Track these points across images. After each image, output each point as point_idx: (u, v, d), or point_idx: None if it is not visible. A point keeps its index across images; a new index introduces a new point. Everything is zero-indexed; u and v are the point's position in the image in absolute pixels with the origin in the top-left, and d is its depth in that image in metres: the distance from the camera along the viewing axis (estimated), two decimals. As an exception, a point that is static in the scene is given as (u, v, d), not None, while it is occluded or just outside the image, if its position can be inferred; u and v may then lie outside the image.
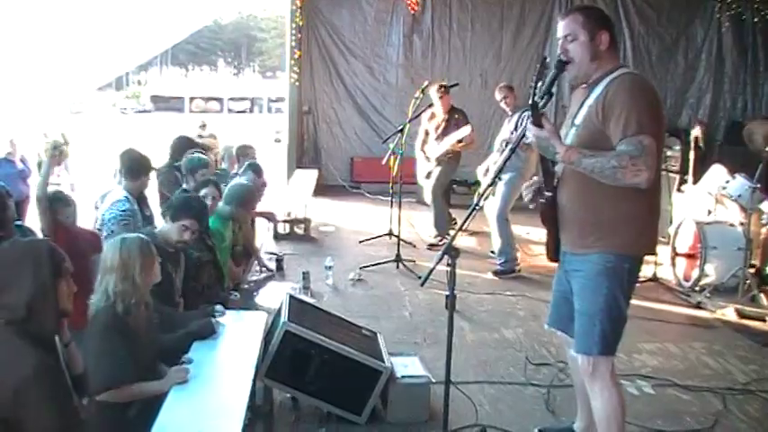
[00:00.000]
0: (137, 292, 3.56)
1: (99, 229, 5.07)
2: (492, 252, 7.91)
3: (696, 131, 8.15)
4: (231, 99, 54.52)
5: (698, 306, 6.77)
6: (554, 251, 3.64)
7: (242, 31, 68.63)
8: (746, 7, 12.62)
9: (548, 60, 3.40)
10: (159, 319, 3.87)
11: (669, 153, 8.99)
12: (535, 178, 3.71)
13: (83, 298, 3.47)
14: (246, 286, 6.60)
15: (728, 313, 6.49)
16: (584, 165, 3.19)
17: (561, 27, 3.42)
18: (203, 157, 6.44)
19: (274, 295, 6.22)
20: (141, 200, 5.67)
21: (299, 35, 12.46)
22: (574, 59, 3.36)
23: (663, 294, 7.14)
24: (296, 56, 12.39)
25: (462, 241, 8.90)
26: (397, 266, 7.64)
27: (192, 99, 53.17)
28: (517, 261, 7.66)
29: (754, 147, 6.92)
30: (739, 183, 7.09)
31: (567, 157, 3.23)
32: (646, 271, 7.24)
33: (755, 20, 12.61)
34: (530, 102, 3.30)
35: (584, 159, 3.19)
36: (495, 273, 7.54)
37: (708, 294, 6.90)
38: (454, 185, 10.91)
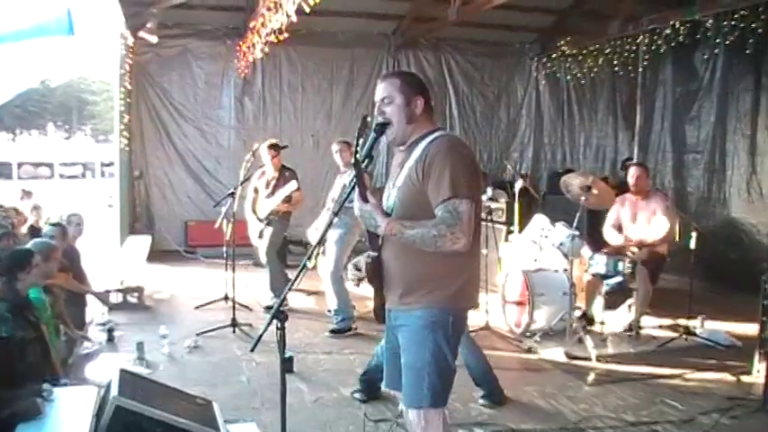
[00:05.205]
0: None
1: None
2: (328, 311, 7.91)
3: (520, 184, 8.52)
4: (62, 164, 52.48)
5: (529, 351, 7.01)
6: (380, 312, 3.67)
7: (72, 93, 66.23)
8: (560, 67, 13.51)
9: (368, 120, 3.47)
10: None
11: (495, 205, 9.35)
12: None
13: None
14: (72, 361, 6.30)
15: (557, 356, 6.75)
16: (406, 236, 3.28)
17: (379, 90, 3.50)
18: None
19: (107, 368, 5.97)
20: None
21: (129, 99, 12.14)
22: (392, 121, 3.46)
23: (496, 342, 7.32)
24: (125, 120, 12.04)
25: (299, 302, 8.89)
26: (234, 331, 7.49)
27: (20, 165, 50.77)
28: (354, 319, 7.66)
29: (572, 196, 7.30)
30: (560, 231, 7.46)
31: (388, 230, 3.31)
32: (478, 320, 7.47)
33: (568, 77, 13.48)
34: (352, 160, 3.35)
35: (406, 231, 3.27)
36: (332, 331, 7.53)
37: (538, 339, 7.16)
38: (290, 245, 10.88)
